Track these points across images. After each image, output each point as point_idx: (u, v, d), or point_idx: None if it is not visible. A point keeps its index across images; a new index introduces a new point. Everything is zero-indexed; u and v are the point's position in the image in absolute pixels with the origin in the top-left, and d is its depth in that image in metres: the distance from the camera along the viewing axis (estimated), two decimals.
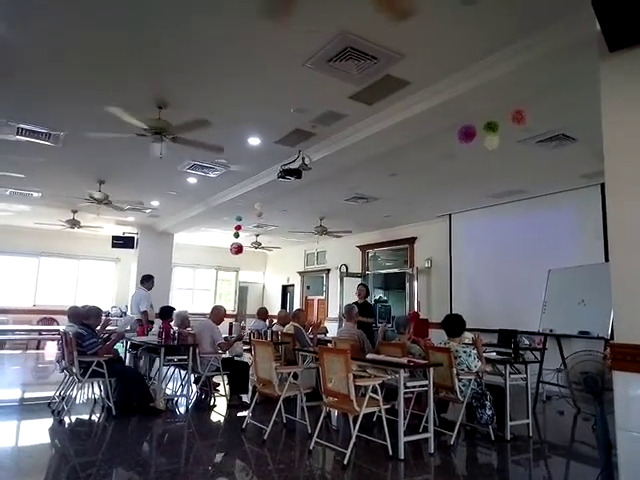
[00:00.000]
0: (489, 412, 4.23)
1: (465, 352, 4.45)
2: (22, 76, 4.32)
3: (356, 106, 4.75)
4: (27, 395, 6.39)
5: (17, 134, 5.64)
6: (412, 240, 10.88)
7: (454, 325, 4.74)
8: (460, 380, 4.30)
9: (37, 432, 4.64)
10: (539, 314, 6.69)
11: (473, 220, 9.04)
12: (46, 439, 4.37)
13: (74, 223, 9.95)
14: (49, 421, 4.74)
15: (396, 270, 11.51)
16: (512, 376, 4.73)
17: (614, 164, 2.75)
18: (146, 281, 8.27)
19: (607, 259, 5.55)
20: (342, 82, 4.25)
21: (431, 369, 4.06)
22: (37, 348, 11.35)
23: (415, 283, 10.32)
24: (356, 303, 6.74)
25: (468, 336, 4.91)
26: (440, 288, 9.62)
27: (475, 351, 4.46)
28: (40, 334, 10.85)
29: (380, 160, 6.08)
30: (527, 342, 6.56)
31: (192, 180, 7.67)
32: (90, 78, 4.32)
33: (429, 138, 5.27)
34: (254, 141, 5.77)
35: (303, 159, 5.70)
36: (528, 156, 5.91)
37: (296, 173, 5.67)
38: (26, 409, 5.55)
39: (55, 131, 5.60)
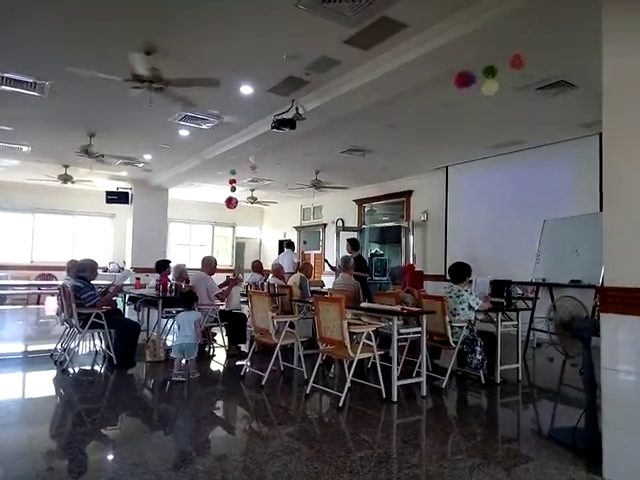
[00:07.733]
0: (479, 357, 4.38)
1: (467, 291, 4.64)
2: (3, 23, 4.13)
3: (351, 51, 4.58)
4: (30, 348, 6.52)
5: (2, 84, 5.47)
6: (409, 193, 10.83)
7: (458, 271, 4.87)
8: (452, 327, 4.41)
9: (42, 382, 4.76)
10: (533, 265, 6.76)
11: (470, 172, 8.97)
12: (51, 388, 4.50)
13: (66, 178, 9.82)
14: (53, 372, 4.86)
15: (392, 224, 11.53)
16: (504, 323, 4.86)
17: (613, 109, 2.69)
18: (291, 245, 10.40)
19: (602, 209, 5.55)
20: (336, 25, 4.08)
21: (424, 316, 4.15)
22: (37, 303, 11.50)
23: (411, 237, 10.35)
24: None
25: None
26: (435, 241, 9.68)
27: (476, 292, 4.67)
28: (39, 289, 10.96)
29: (376, 110, 5.94)
30: (520, 292, 6.68)
31: (184, 132, 7.51)
32: (73, 23, 4.14)
33: (427, 86, 5.13)
34: (246, 90, 5.60)
35: (297, 109, 5.56)
36: (527, 104, 5.79)
37: (290, 123, 5.55)
38: (30, 361, 5.67)
39: (41, 80, 5.42)
